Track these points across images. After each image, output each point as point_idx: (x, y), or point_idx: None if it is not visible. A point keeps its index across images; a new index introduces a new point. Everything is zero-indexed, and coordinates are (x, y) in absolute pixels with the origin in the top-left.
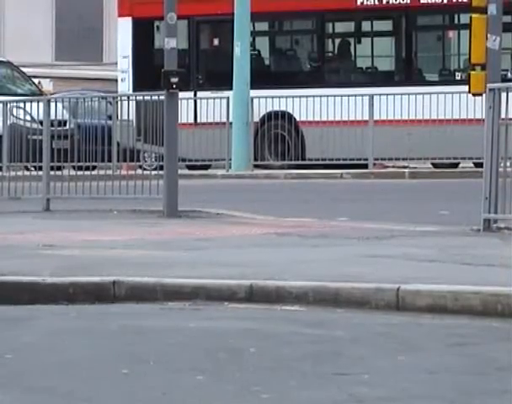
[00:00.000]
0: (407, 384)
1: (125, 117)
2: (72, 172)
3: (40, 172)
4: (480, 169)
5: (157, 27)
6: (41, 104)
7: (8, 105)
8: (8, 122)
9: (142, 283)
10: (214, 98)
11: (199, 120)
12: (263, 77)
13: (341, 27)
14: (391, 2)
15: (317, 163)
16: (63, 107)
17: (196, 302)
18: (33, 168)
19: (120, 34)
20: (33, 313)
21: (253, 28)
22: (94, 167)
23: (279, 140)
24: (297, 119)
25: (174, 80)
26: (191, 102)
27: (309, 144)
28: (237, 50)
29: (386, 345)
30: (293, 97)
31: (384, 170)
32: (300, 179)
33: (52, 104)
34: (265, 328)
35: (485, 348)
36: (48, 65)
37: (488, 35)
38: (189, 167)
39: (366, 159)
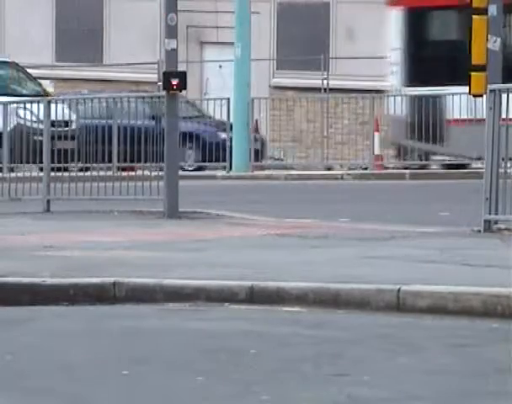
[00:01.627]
0: (407, 385)
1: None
2: (73, 173)
3: (41, 174)
4: (481, 170)
5: (432, 18)
6: (41, 105)
7: (9, 106)
8: (13, 123)
9: (143, 284)
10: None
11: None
12: None
13: None
14: None
15: None
16: (66, 107)
17: (197, 303)
18: (38, 169)
19: (391, 25)
20: (33, 314)
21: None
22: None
23: None
24: None
25: (175, 81)
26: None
27: None
28: (237, 51)
29: (387, 346)
30: None
31: (384, 171)
32: (300, 180)
33: (53, 105)
34: (266, 329)
35: (485, 349)
36: (48, 66)
37: (489, 36)
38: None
39: None
